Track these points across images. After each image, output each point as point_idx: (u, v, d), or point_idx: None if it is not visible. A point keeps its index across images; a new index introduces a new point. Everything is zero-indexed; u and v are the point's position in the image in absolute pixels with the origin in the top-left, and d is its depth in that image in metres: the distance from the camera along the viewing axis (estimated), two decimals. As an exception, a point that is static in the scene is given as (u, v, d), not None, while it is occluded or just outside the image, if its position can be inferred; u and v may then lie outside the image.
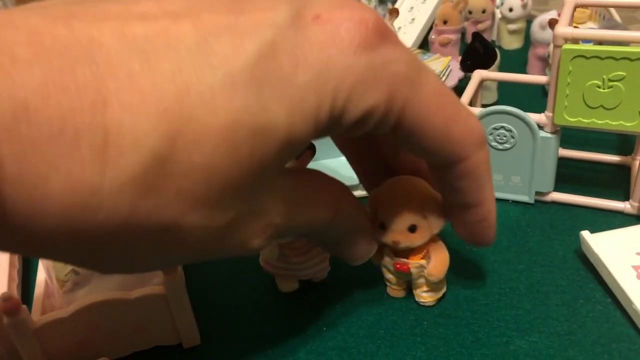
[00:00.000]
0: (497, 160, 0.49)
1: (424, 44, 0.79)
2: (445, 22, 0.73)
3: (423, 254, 0.36)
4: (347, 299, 0.43)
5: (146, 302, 0.37)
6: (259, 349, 0.40)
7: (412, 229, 0.34)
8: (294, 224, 0.28)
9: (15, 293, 0.44)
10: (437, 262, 0.36)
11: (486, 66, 0.65)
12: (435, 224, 0.34)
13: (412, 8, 0.82)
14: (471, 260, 0.44)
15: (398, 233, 0.34)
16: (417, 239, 0.34)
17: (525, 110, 0.47)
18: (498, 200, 0.51)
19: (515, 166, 0.49)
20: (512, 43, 0.80)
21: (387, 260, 0.38)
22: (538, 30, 0.69)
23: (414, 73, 0.25)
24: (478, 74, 0.54)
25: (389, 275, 0.39)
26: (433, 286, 0.38)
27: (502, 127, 0.48)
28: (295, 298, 0.43)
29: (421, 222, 0.34)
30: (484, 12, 0.78)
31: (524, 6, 0.77)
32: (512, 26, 0.79)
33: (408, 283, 0.39)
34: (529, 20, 0.79)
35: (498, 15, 0.81)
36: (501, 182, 0.50)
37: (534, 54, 0.71)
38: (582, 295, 0.41)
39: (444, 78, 0.64)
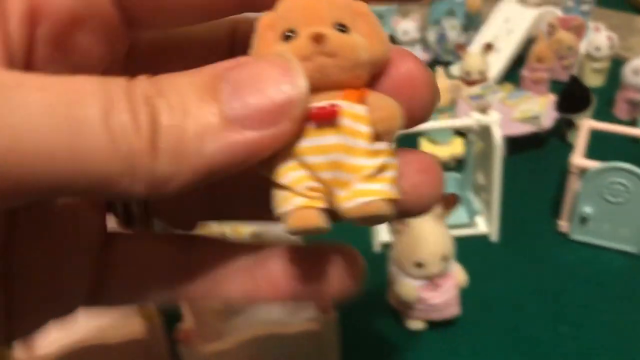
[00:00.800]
0: (608, 212, 0.52)
1: (514, 78, 0.80)
2: (539, 60, 0.75)
3: (358, 95, 0.18)
4: (475, 342, 0.45)
5: (301, 337, 0.40)
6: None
7: (342, 28, 0.18)
8: None
9: (156, 317, 0.47)
10: (383, 101, 0.18)
11: (582, 109, 0.67)
12: (377, 33, 0.18)
13: (508, 19, 0.85)
14: (581, 306, 0.47)
15: (319, 27, 0.18)
16: (355, 41, 0.18)
17: (614, 157, 0.49)
18: (604, 249, 0.53)
19: (626, 218, 0.52)
20: (594, 80, 0.82)
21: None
22: (631, 75, 0.71)
23: None
24: (587, 125, 0.57)
25: (295, 174, 0.18)
26: (381, 160, 0.18)
27: (618, 182, 0.50)
28: (423, 336, 0.46)
29: (353, 23, 0.18)
30: (570, 49, 0.80)
31: (611, 46, 0.79)
32: (597, 65, 0.81)
33: (328, 192, 0.18)
34: (615, 59, 0.81)
35: (581, 51, 0.83)
36: (609, 232, 0.53)
37: (623, 97, 0.73)
38: (702, 353, 0.43)
39: (542, 119, 0.66)
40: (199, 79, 0.15)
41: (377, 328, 0.47)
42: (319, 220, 0.18)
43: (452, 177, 0.61)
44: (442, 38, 0.88)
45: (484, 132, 0.53)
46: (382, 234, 0.54)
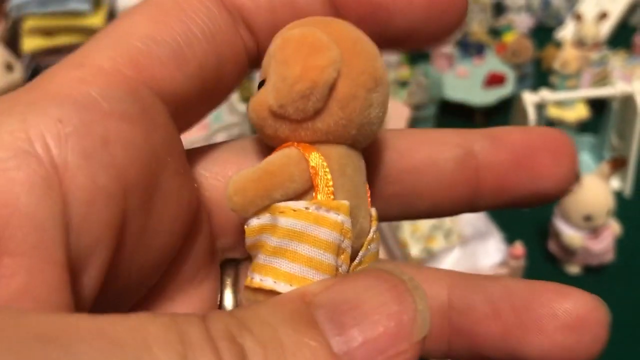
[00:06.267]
0: None
1: (625, 44, 0.84)
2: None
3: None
4: (627, 285, 0.53)
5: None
6: None
7: None
8: None
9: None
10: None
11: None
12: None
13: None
14: None
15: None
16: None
17: None
18: None
19: None
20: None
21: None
22: None
23: None
24: None
25: None
26: None
27: None
28: (579, 279, 0.54)
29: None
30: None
31: None
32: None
33: None
34: None
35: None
36: None
37: None
38: None
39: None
40: (286, 308, 0.13)
41: (537, 271, 0.55)
42: None
43: (586, 140, 0.67)
44: (546, 3, 0.93)
45: (624, 99, 0.60)
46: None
